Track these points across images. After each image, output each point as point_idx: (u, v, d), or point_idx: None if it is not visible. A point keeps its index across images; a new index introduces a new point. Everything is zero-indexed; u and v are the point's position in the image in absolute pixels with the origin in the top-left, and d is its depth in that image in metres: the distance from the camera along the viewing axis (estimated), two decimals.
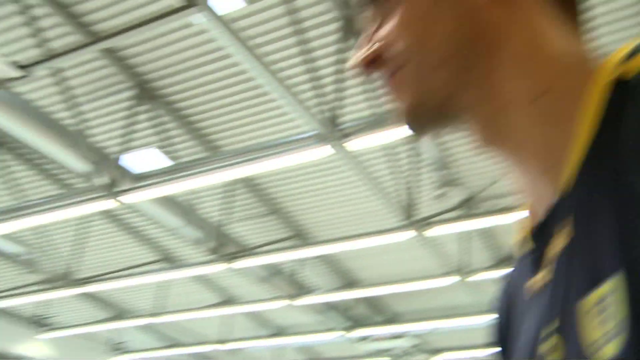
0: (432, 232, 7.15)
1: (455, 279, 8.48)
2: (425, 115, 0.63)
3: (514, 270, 0.71)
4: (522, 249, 0.63)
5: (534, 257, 0.59)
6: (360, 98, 6.23)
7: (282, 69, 5.55)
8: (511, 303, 0.69)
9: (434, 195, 7.19)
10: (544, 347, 0.54)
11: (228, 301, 10.98)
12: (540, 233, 0.57)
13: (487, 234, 8.91)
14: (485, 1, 0.60)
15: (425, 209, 7.32)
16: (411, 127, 0.64)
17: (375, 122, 5.67)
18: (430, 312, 11.21)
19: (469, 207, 8.02)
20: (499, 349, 0.70)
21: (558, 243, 0.54)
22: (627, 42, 0.54)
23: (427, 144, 6.68)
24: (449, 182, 7.05)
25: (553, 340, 0.52)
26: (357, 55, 0.66)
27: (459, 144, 7.12)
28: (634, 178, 0.45)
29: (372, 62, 0.65)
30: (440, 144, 6.92)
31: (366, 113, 6.29)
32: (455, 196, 7.19)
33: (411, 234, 7.10)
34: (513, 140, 0.59)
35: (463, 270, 8.36)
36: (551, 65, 0.57)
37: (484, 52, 0.60)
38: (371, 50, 0.64)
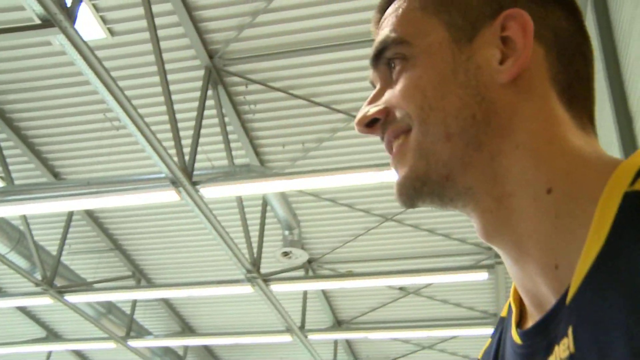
0: (274, 288, 7.14)
1: (290, 337, 8.45)
2: (420, 189, 0.58)
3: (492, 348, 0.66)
4: (519, 342, 0.58)
5: (531, 351, 0.54)
6: (217, 147, 6.15)
7: (140, 106, 5.36)
8: None
9: (279, 253, 7.19)
10: None
11: (52, 337, 10.15)
12: (534, 334, 0.54)
13: (325, 297, 9.05)
14: (500, 83, 0.57)
15: (269, 266, 7.30)
16: (401, 197, 0.59)
17: (229, 174, 5.61)
18: None
19: (310, 269, 8.13)
20: None
21: (561, 349, 0.49)
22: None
23: (277, 205, 6.71)
24: (293, 243, 7.10)
25: None
26: (361, 113, 0.62)
27: (307, 206, 7.26)
28: None
29: (373, 123, 0.62)
30: (289, 205, 7.00)
31: (222, 163, 6.21)
32: (299, 257, 7.25)
33: (252, 287, 7.02)
34: (514, 232, 0.55)
35: (299, 328, 8.36)
36: (563, 161, 0.54)
37: (493, 134, 0.56)
38: (374, 110, 0.61)
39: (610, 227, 0.46)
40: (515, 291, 0.63)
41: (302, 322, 8.48)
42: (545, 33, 0.59)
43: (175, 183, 5.32)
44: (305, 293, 8.68)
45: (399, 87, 0.60)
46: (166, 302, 9.60)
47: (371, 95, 0.63)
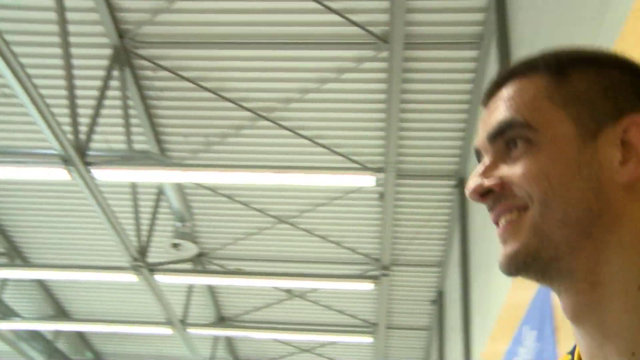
0: (159, 279, 6.98)
1: (171, 330, 8.29)
2: (530, 264, 0.65)
3: None
4: None
5: None
6: (117, 130, 5.93)
7: (36, 77, 5.05)
8: None
9: (168, 244, 7.04)
10: None
11: None
12: None
13: (211, 292, 8.96)
14: (618, 182, 0.63)
15: (157, 256, 7.12)
16: (509, 267, 0.67)
17: (126, 159, 5.42)
18: (138, 359, 10.79)
19: (199, 262, 8.02)
20: None
21: None
22: None
23: (172, 195, 6.57)
24: (184, 235, 6.97)
25: None
26: (474, 181, 0.68)
27: (202, 200, 7.16)
28: None
29: (487, 193, 0.68)
30: (184, 197, 6.88)
31: (120, 147, 5.99)
32: (188, 250, 7.13)
33: (136, 276, 6.83)
34: (600, 317, 0.62)
35: (180, 322, 8.22)
36: None
37: (604, 227, 0.63)
38: (491, 183, 0.67)
39: None
40: (579, 357, 0.71)
41: (184, 316, 8.34)
42: None
43: (66, 161, 5.07)
44: (190, 287, 8.55)
45: (522, 167, 0.65)
46: (41, 284, 9.11)
47: (483, 165, 0.70)
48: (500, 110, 0.69)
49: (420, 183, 6.64)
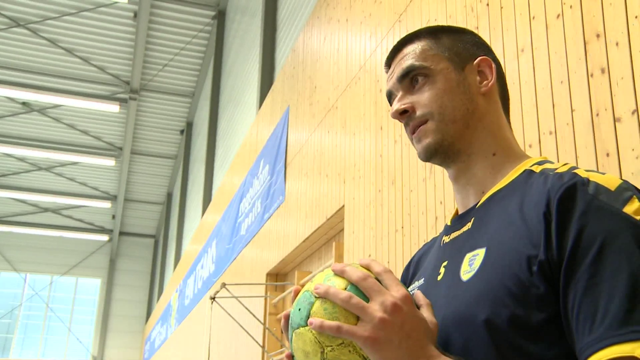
0: None
1: None
2: (438, 149, 1.03)
3: (432, 241, 1.17)
4: (449, 224, 1.08)
5: (452, 229, 1.05)
6: None
7: None
8: (420, 259, 1.16)
9: None
10: (439, 271, 1.01)
11: None
12: (459, 219, 1.05)
13: None
14: (478, 95, 1.05)
15: None
16: (425, 155, 1.05)
17: None
18: None
19: None
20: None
21: (465, 227, 1.00)
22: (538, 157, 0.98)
23: None
24: None
25: (443, 269, 1.00)
26: (395, 106, 1.05)
27: None
28: (513, 217, 0.91)
29: (403, 113, 1.05)
30: None
31: None
32: None
33: None
34: (470, 173, 1.04)
35: None
36: (503, 140, 1.04)
37: (474, 119, 1.03)
38: (405, 106, 1.05)
39: (511, 181, 0.98)
40: (456, 209, 1.11)
41: None
42: (497, 71, 1.08)
43: None
44: None
45: (426, 94, 1.04)
46: None
47: (399, 97, 1.06)
48: (404, 61, 1.07)
49: (178, 8, 6.31)
